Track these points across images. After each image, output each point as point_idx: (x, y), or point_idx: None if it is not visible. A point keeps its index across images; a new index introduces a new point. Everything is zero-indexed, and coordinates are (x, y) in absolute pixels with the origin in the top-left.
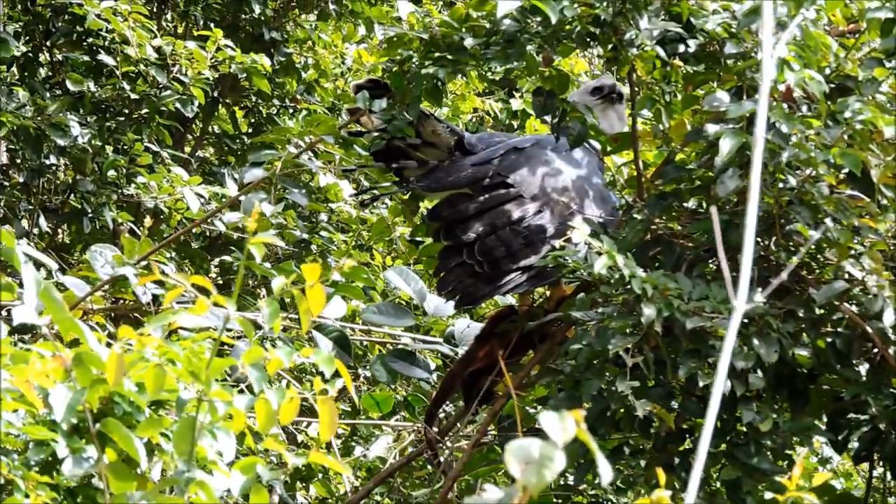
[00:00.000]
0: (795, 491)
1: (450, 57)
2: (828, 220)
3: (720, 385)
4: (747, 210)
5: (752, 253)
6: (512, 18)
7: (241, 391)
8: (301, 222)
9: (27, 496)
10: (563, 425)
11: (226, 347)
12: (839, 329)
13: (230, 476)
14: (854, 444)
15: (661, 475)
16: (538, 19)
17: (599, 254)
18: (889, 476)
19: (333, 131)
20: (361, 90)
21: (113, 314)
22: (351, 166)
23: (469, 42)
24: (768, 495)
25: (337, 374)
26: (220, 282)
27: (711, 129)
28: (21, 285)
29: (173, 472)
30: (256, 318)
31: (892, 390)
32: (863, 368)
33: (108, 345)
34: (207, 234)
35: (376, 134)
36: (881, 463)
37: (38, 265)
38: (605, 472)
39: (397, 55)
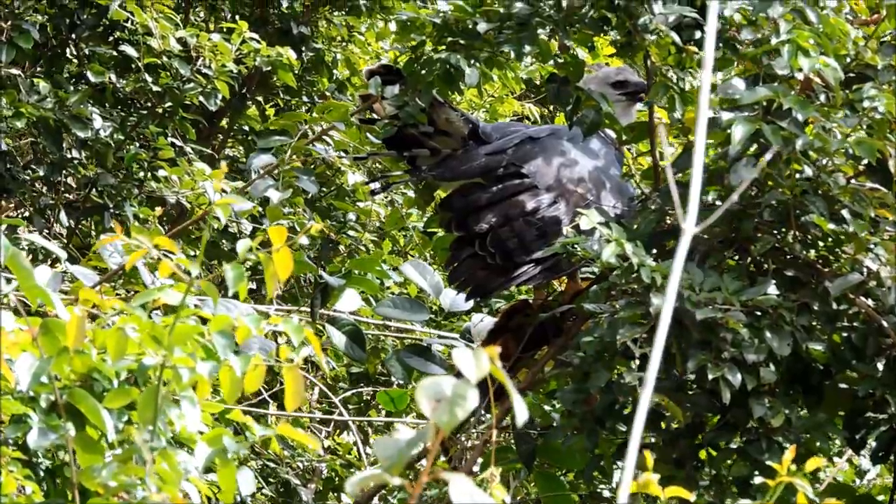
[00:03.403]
0: (787, 476)
1: (463, 42)
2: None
3: (660, 344)
4: (696, 128)
5: (701, 173)
6: (524, 2)
7: None
8: (330, 222)
9: None
10: (477, 362)
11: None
12: (855, 324)
13: (195, 447)
14: (872, 443)
15: (649, 457)
16: (550, 2)
17: (609, 241)
18: None
19: (345, 118)
20: (374, 76)
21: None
22: (363, 154)
23: (482, 27)
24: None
25: (306, 343)
26: (253, 285)
27: (726, 116)
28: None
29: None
30: (269, 310)
31: None
32: (880, 364)
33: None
34: (237, 235)
35: (388, 121)
36: None
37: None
38: (521, 412)
39: (410, 40)
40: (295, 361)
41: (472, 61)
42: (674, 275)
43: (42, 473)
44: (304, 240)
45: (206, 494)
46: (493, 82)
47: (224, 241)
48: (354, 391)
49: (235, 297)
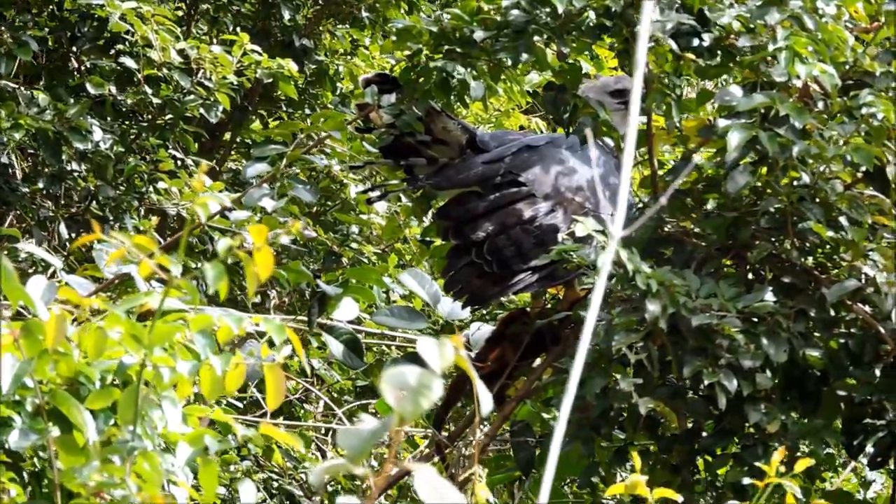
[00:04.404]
0: (776, 478)
1: (459, 50)
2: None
3: (584, 346)
4: (628, 129)
5: (629, 177)
6: (520, 9)
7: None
8: (334, 235)
9: None
10: (441, 351)
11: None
12: (852, 330)
13: (176, 446)
14: (870, 449)
15: (636, 458)
16: (547, 10)
17: (604, 248)
18: None
19: (342, 127)
20: (370, 84)
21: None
22: (359, 163)
23: (479, 35)
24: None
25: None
26: (258, 299)
27: (723, 123)
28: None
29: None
30: (274, 318)
31: None
32: (878, 370)
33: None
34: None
35: (384, 130)
36: None
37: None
38: (486, 401)
39: (407, 48)
40: (276, 360)
41: (471, 70)
42: (604, 267)
43: (27, 476)
44: (286, 240)
45: (193, 497)
46: (499, 96)
47: None
48: (360, 404)
49: (217, 297)
